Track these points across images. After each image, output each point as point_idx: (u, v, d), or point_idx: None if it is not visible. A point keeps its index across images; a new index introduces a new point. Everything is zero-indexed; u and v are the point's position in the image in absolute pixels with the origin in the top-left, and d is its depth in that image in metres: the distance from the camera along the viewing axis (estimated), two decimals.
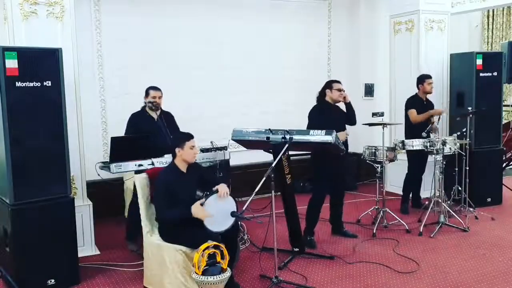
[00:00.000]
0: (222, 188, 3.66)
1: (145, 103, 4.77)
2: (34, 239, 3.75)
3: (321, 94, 4.92)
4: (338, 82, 4.92)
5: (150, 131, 4.58)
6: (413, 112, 5.74)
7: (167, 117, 4.84)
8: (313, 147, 4.47)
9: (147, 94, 4.76)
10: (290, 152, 4.35)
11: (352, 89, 7.66)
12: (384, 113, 5.50)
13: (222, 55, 6.56)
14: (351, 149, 5.08)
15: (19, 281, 3.74)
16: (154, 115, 4.77)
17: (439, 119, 5.81)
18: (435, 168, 5.38)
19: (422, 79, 5.83)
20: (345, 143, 4.81)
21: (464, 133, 5.66)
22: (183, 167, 3.77)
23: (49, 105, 3.80)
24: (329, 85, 4.91)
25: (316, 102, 4.94)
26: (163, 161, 4.29)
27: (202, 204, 3.56)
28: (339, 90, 4.84)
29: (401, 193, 6.06)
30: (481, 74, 6.09)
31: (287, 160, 4.29)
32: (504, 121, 7.33)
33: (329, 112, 4.81)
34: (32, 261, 3.76)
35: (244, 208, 3.56)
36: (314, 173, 4.95)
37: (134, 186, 4.60)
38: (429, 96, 5.92)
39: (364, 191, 6.94)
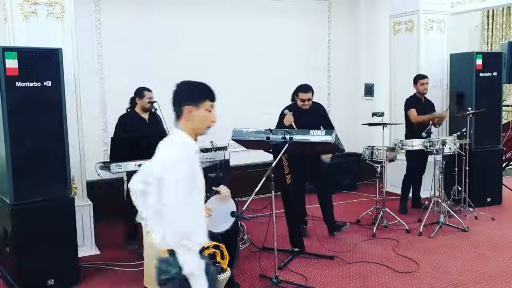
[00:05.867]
0: (225, 190, 3.66)
1: (136, 104, 4.71)
2: (34, 239, 3.75)
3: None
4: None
5: (142, 133, 4.54)
6: (413, 112, 5.72)
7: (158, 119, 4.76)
8: (313, 147, 4.46)
9: (141, 95, 4.69)
10: None
11: (352, 89, 7.69)
12: (384, 113, 5.50)
13: (222, 55, 6.54)
14: (351, 149, 5.07)
15: (19, 281, 3.74)
16: (146, 116, 4.74)
17: (438, 125, 5.78)
18: (435, 168, 5.38)
19: (416, 80, 5.83)
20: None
21: (464, 133, 5.65)
22: None
23: (49, 105, 3.80)
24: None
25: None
26: None
27: None
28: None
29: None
30: (481, 74, 6.08)
31: (287, 160, 4.29)
32: (504, 121, 7.32)
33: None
34: (32, 261, 3.75)
35: (244, 208, 3.56)
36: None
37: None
38: (429, 96, 5.91)
39: (364, 191, 6.92)
